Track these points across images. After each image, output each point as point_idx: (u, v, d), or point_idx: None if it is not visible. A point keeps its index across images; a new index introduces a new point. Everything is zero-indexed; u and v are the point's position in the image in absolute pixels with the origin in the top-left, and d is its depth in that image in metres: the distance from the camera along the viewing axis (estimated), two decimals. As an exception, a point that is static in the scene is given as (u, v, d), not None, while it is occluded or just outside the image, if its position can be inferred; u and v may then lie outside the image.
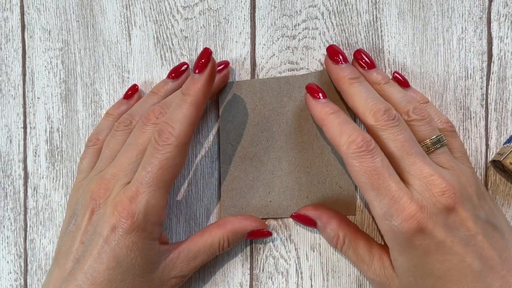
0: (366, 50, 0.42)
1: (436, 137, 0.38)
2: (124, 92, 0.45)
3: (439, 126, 0.40)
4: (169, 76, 0.43)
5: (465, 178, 0.37)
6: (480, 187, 0.38)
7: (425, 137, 0.38)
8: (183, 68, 0.43)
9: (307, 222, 0.42)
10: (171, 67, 0.44)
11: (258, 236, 0.42)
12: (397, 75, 0.41)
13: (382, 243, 0.41)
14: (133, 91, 0.45)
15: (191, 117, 0.37)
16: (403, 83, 0.41)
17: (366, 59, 0.41)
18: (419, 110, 0.38)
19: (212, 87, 0.39)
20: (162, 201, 0.37)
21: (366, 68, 0.41)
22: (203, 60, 0.38)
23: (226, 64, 0.43)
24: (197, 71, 0.38)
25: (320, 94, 0.39)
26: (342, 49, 0.42)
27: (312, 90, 0.39)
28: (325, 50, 0.43)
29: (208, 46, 0.44)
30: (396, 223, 0.34)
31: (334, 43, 0.43)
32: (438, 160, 0.38)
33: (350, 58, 0.42)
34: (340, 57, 0.40)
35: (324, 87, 0.42)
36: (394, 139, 0.36)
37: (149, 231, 0.37)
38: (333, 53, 0.40)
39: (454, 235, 0.35)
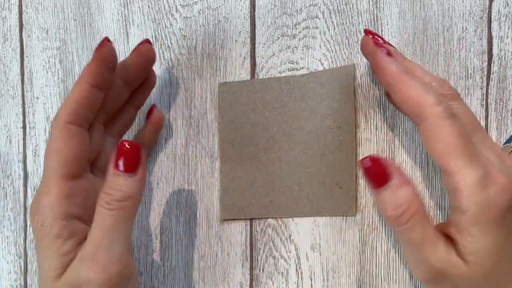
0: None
1: None
2: None
3: None
4: None
5: None
6: None
7: None
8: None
9: (379, 173, 0.33)
10: (170, 67, 0.44)
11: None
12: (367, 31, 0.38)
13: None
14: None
15: (72, 96, 0.36)
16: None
17: (378, 38, 0.37)
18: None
19: (108, 71, 0.37)
20: (55, 189, 0.35)
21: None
22: (100, 46, 0.37)
23: (146, 40, 0.41)
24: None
25: (388, 51, 0.35)
26: (342, 48, 0.42)
27: (381, 45, 0.35)
28: (325, 49, 0.43)
29: (207, 45, 0.44)
30: (492, 193, 0.30)
31: (335, 43, 0.42)
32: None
33: (348, 57, 0.42)
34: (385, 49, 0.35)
35: (325, 87, 0.42)
36: (465, 111, 0.35)
37: (48, 226, 0.34)
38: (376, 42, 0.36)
39: None
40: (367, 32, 0.37)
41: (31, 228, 0.46)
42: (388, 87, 0.34)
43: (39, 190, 0.35)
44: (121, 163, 0.34)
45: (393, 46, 0.39)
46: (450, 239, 0.33)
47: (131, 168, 0.34)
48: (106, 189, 0.34)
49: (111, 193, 0.34)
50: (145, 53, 0.40)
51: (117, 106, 0.40)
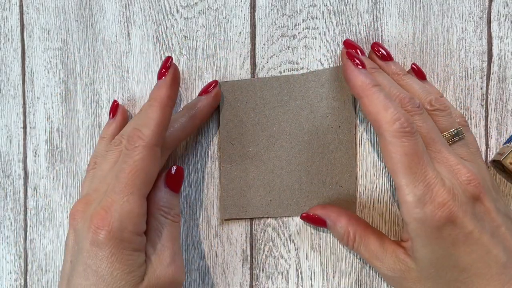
0: (368, 49, 0.42)
1: (455, 129, 0.38)
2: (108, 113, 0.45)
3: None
4: (159, 77, 0.42)
5: (484, 172, 0.37)
6: (494, 182, 0.38)
7: (446, 128, 0.38)
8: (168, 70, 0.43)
9: (317, 221, 0.41)
10: (172, 67, 0.44)
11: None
12: (414, 66, 0.41)
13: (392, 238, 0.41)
14: (114, 108, 0.44)
15: (158, 119, 0.38)
16: (420, 75, 0.41)
17: (384, 52, 0.41)
18: (441, 101, 0.39)
19: (177, 91, 0.40)
20: (137, 207, 0.36)
21: (384, 59, 0.41)
22: (163, 70, 0.40)
23: (215, 83, 0.43)
24: (160, 78, 0.40)
25: (361, 63, 0.38)
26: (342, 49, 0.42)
27: (353, 57, 0.38)
28: (325, 50, 0.43)
29: (208, 46, 0.44)
30: (428, 211, 0.34)
31: (335, 43, 0.43)
32: (458, 152, 0.38)
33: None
34: (357, 61, 0.38)
35: (325, 86, 0.42)
36: (420, 126, 0.36)
37: (127, 241, 0.36)
38: (351, 56, 0.38)
39: (481, 226, 0.34)
40: (346, 44, 0.41)
41: (31, 229, 0.46)
42: (357, 98, 0.37)
43: (111, 203, 0.36)
44: (174, 185, 0.40)
45: (387, 53, 0.40)
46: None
47: (179, 189, 0.41)
48: (167, 204, 0.40)
49: (172, 207, 0.40)
50: (216, 96, 0.43)
51: (186, 136, 0.43)
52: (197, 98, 0.43)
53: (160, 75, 0.40)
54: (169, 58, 0.40)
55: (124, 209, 0.36)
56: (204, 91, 0.43)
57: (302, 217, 0.42)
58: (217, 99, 0.43)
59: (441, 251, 0.34)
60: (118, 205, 0.36)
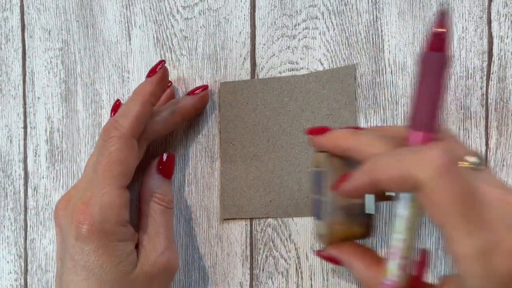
0: (368, 49, 0.42)
1: (469, 156, 0.32)
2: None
3: None
4: (147, 75, 0.42)
5: None
6: None
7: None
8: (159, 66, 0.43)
9: (332, 261, 0.36)
10: (171, 67, 0.44)
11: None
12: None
13: None
14: (115, 107, 0.43)
15: (136, 112, 0.38)
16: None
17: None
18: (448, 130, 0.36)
19: (162, 91, 0.41)
20: (117, 198, 0.36)
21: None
22: (153, 71, 0.40)
23: (204, 87, 0.43)
24: (148, 77, 0.40)
25: (322, 129, 0.35)
26: (342, 49, 0.42)
27: (316, 131, 0.36)
28: (325, 49, 0.43)
29: (208, 46, 0.44)
30: (496, 263, 0.27)
31: (335, 43, 0.43)
32: (488, 183, 0.31)
33: (348, 57, 0.42)
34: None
35: (326, 87, 0.42)
36: (455, 143, 0.33)
37: (111, 232, 0.36)
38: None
39: None
40: (310, 132, 0.37)
41: (31, 229, 0.46)
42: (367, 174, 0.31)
43: (91, 196, 0.36)
44: (166, 171, 0.41)
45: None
46: None
47: (171, 176, 0.42)
48: (160, 191, 0.41)
49: (165, 194, 0.41)
50: (203, 98, 0.44)
51: (165, 131, 0.43)
52: (184, 96, 0.44)
53: (149, 74, 0.41)
54: (161, 62, 0.41)
55: (104, 201, 0.36)
56: (192, 92, 0.43)
57: (318, 255, 0.37)
58: (203, 102, 0.43)
59: None
60: (98, 197, 0.36)
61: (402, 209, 0.31)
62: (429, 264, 0.31)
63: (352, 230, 0.35)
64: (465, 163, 0.31)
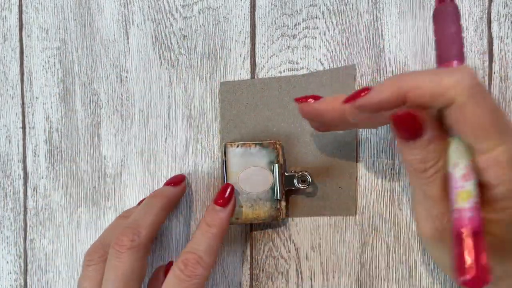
0: (368, 49, 0.42)
1: None
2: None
3: None
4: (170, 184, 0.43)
5: None
6: None
7: None
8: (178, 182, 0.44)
9: (415, 127, 0.32)
10: (170, 67, 0.44)
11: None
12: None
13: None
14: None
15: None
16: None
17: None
18: None
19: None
20: None
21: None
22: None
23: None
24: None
25: (310, 96, 0.37)
26: (342, 48, 0.42)
27: (301, 99, 0.37)
28: (325, 49, 0.42)
29: (207, 45, 0.44)
30: None
31: (335, 43, 0.42)
32: None
33: (348, 57, 0.42)
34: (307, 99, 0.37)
35: (326, 87, 0.42)
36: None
37: None
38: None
39: None
40: (299, 100, 0.37)
41: (31, 229, 0.46)
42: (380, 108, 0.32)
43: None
44: None
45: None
46: None
47: None
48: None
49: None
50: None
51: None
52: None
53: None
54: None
55: None
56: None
57: (397, 115, 0.31)
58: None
59: None
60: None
61: (455, 141, 0.32)
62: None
63: (259, 213, 0.41)
64: None
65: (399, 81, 0.31)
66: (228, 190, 0.40)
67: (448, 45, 0.32)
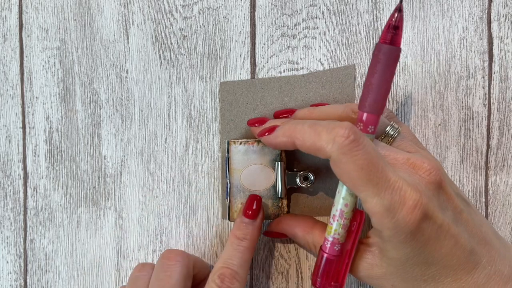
0: (368, 49, 0.42)
1: (390, 127, 0.37)
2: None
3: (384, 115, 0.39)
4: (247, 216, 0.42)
5: (432, 157, 0.37)
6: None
7: (380, 131, 0.37)
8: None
9: (279, 236, 0.42)
10: (170, 67, 0.44)
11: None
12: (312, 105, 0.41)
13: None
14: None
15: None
16: (321, 104, 0.41)
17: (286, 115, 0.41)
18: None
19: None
20: None
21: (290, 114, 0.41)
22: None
23: (258, 205, 0.42)
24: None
25: (258, 121, 0.40)
26: (342, 48, 0.42)
27: (255, 121, 0.40)
28: (325, 49, 0.42)
29: (207, 45, 0.44)
30: (401, 217, 0.32)
31: (335, 43, 0.42)
32: (402, 148, 0.37)
33: (348, 57, 0.42)
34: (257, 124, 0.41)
35: (326, 87, 0.42)
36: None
37: None
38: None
39: (447, 216, 0.34)
40: (250, 124, 0.41)
41: (30, 229, 0.46)
42: (292, 148, 0.36)
43: None
44: None
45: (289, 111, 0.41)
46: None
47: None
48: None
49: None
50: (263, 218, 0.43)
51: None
52: (245, 225, 0.41)
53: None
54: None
55: None
56: (250, 215, 0.41)
57: (265, 234, 0.42)
58: (262, 220, 0.42)
59: (412, 252, 0.34)
60: None
61: (343, 186, 0.36)
62: (364, 222, 0.37)
63: None
64: (383, 135, 0.37)
65: (289, 131, 0.36)
66: (255, 201, 0.40)
67: (369, 93, 0.34)
